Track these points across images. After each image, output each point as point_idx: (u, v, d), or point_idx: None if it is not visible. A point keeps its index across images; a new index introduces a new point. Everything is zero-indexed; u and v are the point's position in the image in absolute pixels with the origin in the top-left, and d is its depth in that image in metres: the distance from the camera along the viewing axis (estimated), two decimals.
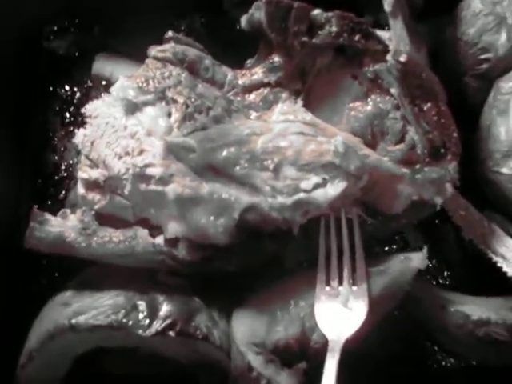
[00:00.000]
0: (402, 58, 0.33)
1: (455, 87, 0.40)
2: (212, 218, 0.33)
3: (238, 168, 0.33)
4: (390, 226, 0.38)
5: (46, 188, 0.41)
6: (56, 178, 0.41)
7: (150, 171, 0.33)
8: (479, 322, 0.35)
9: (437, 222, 0.40)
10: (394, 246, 0.40)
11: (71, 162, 0.41)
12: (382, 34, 0.35)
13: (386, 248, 0.40)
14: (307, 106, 0.37)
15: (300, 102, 0.37)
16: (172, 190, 0.33)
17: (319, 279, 0.34)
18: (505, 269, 0.35)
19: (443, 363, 0.38)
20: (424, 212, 0.37)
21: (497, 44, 0.38)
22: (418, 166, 0.34)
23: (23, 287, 0.40)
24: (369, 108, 0.36)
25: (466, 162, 0.36)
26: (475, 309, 0.35)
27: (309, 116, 0.36)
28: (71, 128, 0.42)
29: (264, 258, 0.36)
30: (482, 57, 0.38)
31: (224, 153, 0.33)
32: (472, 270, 0.39)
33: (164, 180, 0.33)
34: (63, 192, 0.40)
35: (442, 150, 0.34)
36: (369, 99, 0.36)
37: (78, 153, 0.41)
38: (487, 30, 0.38)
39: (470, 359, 0.38)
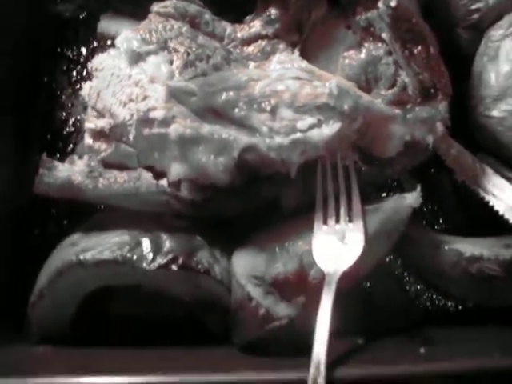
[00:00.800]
0: (393, 3, 0.35)
1: (448, 39, 0.42)
2: (212, 156, 0.35)
3: (236, 110, 0.35)
4: (386, 173, 0.40)
5: (55, 143, 0.43)
6: (64, 133, 0.43)
7: (153, 114, 0.36)
8: (472, 259, 0.36)
9: (432, 170, 0.42)
10: (391, 194, 0.42)
11: (78, 117, 0.44)
12: None
13: (383, 195, 0.42)
14: (303, 56, 0.40)
15: (297, 52, 0.40)
16: (174, 130, 0.35)
17: (317, 218, 0.36)
18: (496, 207, 0.37)
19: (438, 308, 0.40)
20: (418, 157, 0.39)
21: None
22: (409, 106, 0.36)
23: (33, 237, 0.42)
24: (362, 56, 0.38)
25: (458, 112, 0.39)
26: (468, 247, 0.37)
27: (304, 63, 0.38)
28: (78, 86, 0.44)
29: (263, 201, 0.39)
30: (473, 7, 0.40)
31: (223, 96, 0.36)
32: (466, 215, 0.41)
33: (166, 122, 0.35)
34: (71, 146, 0.43)
35: (433, 91, 0.36)
36: (362, 47, 0.38)
37: (85, 109, 0.44)
38: None
39: (464, 300, 0.39)
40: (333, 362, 0.31)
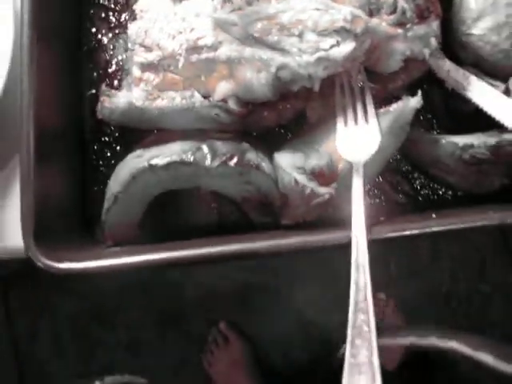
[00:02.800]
0: None
1: None
2: (255, 73, 0.44)
3: (270, 36, 0.45)
4: (389, 88, 0.51)
5: (101, 80, 0.51)
6: (109, 70, 0.51)
7: (202, 41, 0.45)
8: (465, 147, 0.47)
9: (425, 86, 0.53)
10: None
11: (120, 58, 0.52)
12: None
13: None
14: None
15: None
16: (223, 52, 0.44)
17: (339, 121, 0.47)
18: (481, 106, 0.48)
19: (435, 196, 0.52)
20: (415, 73, 0.50)
21: None
22: (408, 26, 0.46)
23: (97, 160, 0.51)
24: None
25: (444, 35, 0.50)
26: (461, 139, 0.48)
27: None
28: (117, 30, 0.52)
29: (292, 114, 0.49)
30: None
31: (259, 25, 0.45)
32: (456, 121, 0.52)
33: (215, 46, 0.44)
34: (116, 82, 0.51)
35: (426, 13, 0.47)
36: None
37: (126, 50, 0.52)
38: None
39: (458, 187, 0.51)
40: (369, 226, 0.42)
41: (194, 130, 0.47)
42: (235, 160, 0.44)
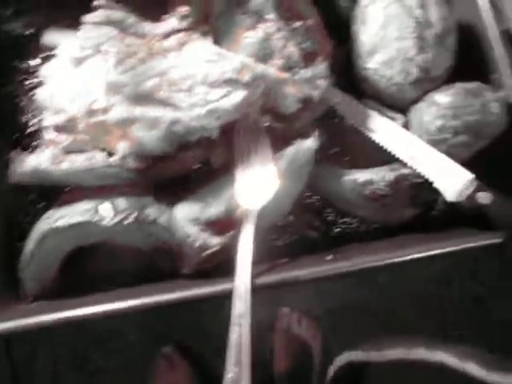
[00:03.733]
0: None
1: (331, 9, 0.54)
2: (147, 131, 0.47)
3: (161, 93, 0.48)
4: (295, 126, 0.52)
5: (22, 141, 0.55)
6: (27, 132, 0.55)
7: (96, 105, 0.48)
8: (365, 183, 0.49)
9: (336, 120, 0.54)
10: None
11: (37, 119, 0.55)
12: None
13: None
14: (214, 41, 0.52)
15: (209, 39, 0.52)
16: (114, 114, 0.47)
17: (238, 167, 0.49)
18: (377, 140, 0.49)
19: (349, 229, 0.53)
20: (315, 110, 0.51)
21: None
22: (296, 70, 0.48)
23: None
24: (258, 35, 0.50)
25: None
26: (362, 174, 0.49)
27: (214, 47, 0.50)
28: (34, 92, 0.56)
29: (195, 163, 0.51)
30: None
31: (150, 83, 0.48)
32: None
33: (107, 109, 0.47)
34: (34, 143, 0.55)
35: (313, 56, 0.48)
36: (257, 28, 0.50)
37: (42, 111, 0.56)
38: None
39: (370, 220, 0.52)
40: (255, 274, 0.44)
41: (97, 189, 0.50)
42: (134, 216, 0.47)
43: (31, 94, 0.56)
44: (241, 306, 0.42)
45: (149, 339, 0.88)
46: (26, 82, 0.56)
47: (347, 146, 0.53)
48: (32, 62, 0.56)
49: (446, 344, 0.56)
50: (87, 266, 0.52)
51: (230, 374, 0.38)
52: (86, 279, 0.52)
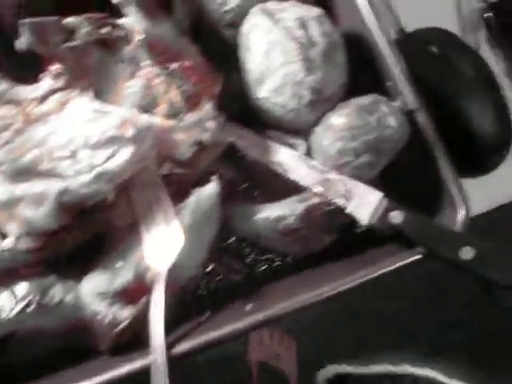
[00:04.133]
0: (138, 36, 0.45)
1: (217, 40, 0.51)
2: (33, 209, 0.44)
3: (43, 164, 0.44)
4: (199, 168, 0.50)
5: None
6: None
7: None
8: (277, 219, 0.47)
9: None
10: None
11: None
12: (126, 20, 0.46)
13: None
14: (96, 96, 0.49)
15: (90, 95, 0.49)
16: None
17: (142, 229, 0.46)
18: (281, 172, 0.47)
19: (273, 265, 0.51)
20: (214, 150, 0.49)
21: None
22: (180, 116, 0.45)
23: None
24: (138, 83, 0.47)
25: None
26: (273, 210, 0.47)
27: (95, 104, 0.47)
28: None
29: (97, 228, 0.48)
30: (225, 8, 0.50)
31: (28, 156, 0.44)
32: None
33: None
34: None
35: (196, 99, 0.45)
36: (136, 76, 0.47)
37: None
38: None
39: (290, 253, 0.50)
40: (171, 343, 0.41)
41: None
42: (36, 301, 0.44)
43: None
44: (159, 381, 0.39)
45: None
46: None
47: (255, 180, 0.51)
48: None
49: (433, 359, 0.56)
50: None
51: None
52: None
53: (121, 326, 0.43)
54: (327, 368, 0.63)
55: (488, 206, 0.62)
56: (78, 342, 0.46)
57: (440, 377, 0.53)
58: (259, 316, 0.43)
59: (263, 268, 0.51)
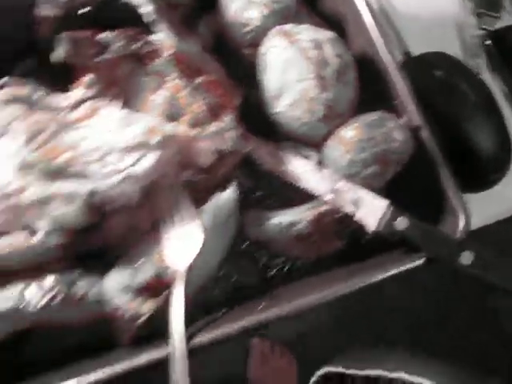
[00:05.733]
0: (167, 51, 0.49)
1: (239, 59, 0.56)
2: (65, 206, 0.48)
3: (75, 166, 0.49)
4: (217, 176, 0.54)
5: None
6: None
7: (8, 188, 0.48)
8: (290, 225, 0.51)
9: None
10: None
11: None
12: (156, 37, 0.51)
13: None
14: (124, 105, 0.53)
15: (119, 104, 0.53)
16: (29, 195, 0.48)
17: (163, 230, 0.50)
18: (294, 181, 0.52)
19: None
20: (232, 159, 0.53)
21: (252, 18, 0.54)
22: (204, 126, 0.50)
23: None
24: (165, 94, 0.52)
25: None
26: (286, 217, 0.51)
27: (124, 112, 0.52)
28: None
29: (122, 228, 0.52)
30: (246, 29, 0.55)
31: (61, 159, 0.49)
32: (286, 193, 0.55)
33: (20, 191, 0.48)
34: None
35: (219, 110, 0.50)
36: (162, 88, 0.52)
37: None
38: (242, 10, 0.55)
39: (296, 257, 0.54)
40: (190, 335, 0.45)
41: (23, 270, 0.50)
42: (62, 294, 0.47)
43: None
44: (177, 372, 0.42)
45: None
46: None
47: (270, 188, 0.55)
48: None
49: (429, 367, 0.58)
50: (23, 352, 0.52)
51: None
52: (23, 367, 0.52)
53: (141, 319, 0.46)
54: (321, 369, 0.67)
55: (486, 220, 0.65)
56: (100, 334, 0.50)
57: None
58: (270, 313, 0.46)
59: (275, 271, 0.54)
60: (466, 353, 0.96)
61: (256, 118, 0.54)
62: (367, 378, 0.60)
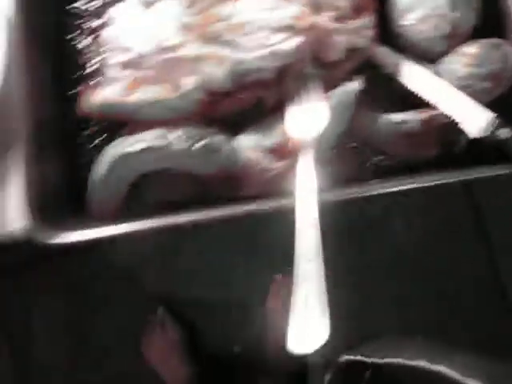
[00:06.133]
0: None
1: None
2: (215, 67, 0.54)
3: (226, 36, 0.54)
4: (336, 73, 0.60)
5: (81, 79, 0.60)
6: (89, 72, 0.61)
7: (167, 42, 0.54)
8: (400, 122, 0.58)
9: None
10: None
11: (100, 58, 0.61)
12: None
13: None
14: None
15: None
16: (186, 51, 0.53)
17: (290, 105, 0.56)
18: (410, 86, 0.58)
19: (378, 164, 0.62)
20: (357, 59, 0.60)
21: None
22: (346, 21, 0.56)
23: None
24: None
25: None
26: (396, 116, 0.58)
27: None
28: (93, 35, 0.61)
29: (251, 101, 0.58)
30: None
31: (217, 26, 0.54)
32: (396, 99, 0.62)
33: (178, 46, 0.54)
34: (94, 81, 0.60)
35: (361, 9, 0.56)
36: None
37: (104, 52, 0.61)
38: None
39: (395, 155, 0.61)
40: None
41: (164, 121, 0.56)
42: (203, 142, 0.54)
43: (94, 35, 0.61)
44: (309, 213, 0.49)
45: None
46: (87, 24, 0.61)
47: (380, 94, 0.62)
48: (93, 4, 0.62)
49: (450, 356, 0.60)
50: (145, 194, 0.58)
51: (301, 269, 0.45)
52: (144, 207, 0.58)
53: (271, 173, 0.53)
54: (340, 358, 0.67)
55: None
56: (219, 189, 0.56)
57: (453, 374, 0.55)
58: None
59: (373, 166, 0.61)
60: None
61: (380, 27, 0.60)
62: (389, 367, 0.61)
